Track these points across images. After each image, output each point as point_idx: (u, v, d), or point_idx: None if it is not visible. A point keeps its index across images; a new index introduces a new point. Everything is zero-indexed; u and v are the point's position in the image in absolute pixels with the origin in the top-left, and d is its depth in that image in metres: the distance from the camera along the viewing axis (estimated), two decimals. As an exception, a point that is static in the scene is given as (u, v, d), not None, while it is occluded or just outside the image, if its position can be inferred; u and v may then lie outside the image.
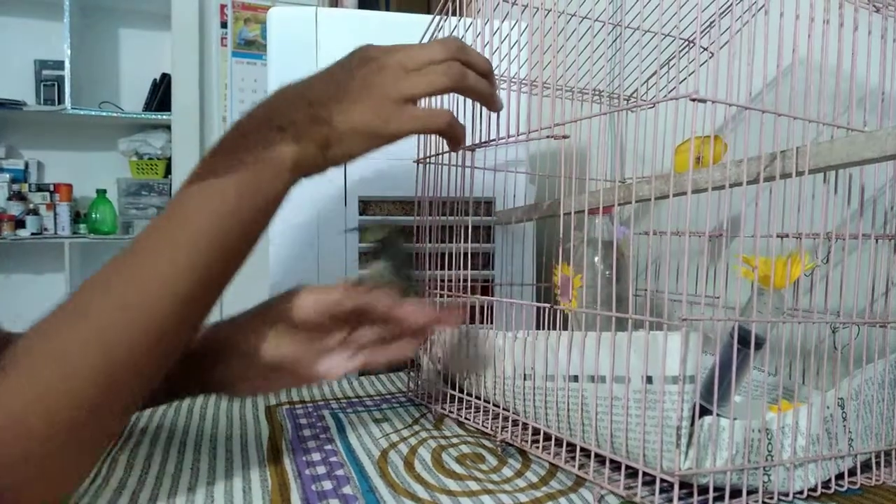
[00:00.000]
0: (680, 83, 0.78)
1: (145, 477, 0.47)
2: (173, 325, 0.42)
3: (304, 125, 0.48)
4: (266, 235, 0.87)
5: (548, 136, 0.51)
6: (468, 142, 0.63)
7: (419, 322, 0.53)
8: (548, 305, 0.52)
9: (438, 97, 0.59)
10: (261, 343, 0.51)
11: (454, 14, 0.64)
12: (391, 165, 0.87)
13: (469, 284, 0.62)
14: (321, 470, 0.48)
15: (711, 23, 0.73)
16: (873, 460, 0.47)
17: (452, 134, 0.54)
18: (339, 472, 0.48)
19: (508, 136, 0.57)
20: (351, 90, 0.50)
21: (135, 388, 0.42)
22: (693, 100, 0.40)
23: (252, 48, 2.57)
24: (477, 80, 0.53)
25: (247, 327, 0.53)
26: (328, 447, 0.53)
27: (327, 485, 0.46)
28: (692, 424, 0.40)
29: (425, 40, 0.68)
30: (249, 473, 0.48)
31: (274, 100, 0.50)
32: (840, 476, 0.45)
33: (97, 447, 0.42)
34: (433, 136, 0.67)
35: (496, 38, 0.62)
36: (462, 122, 0.61)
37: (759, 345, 0.47)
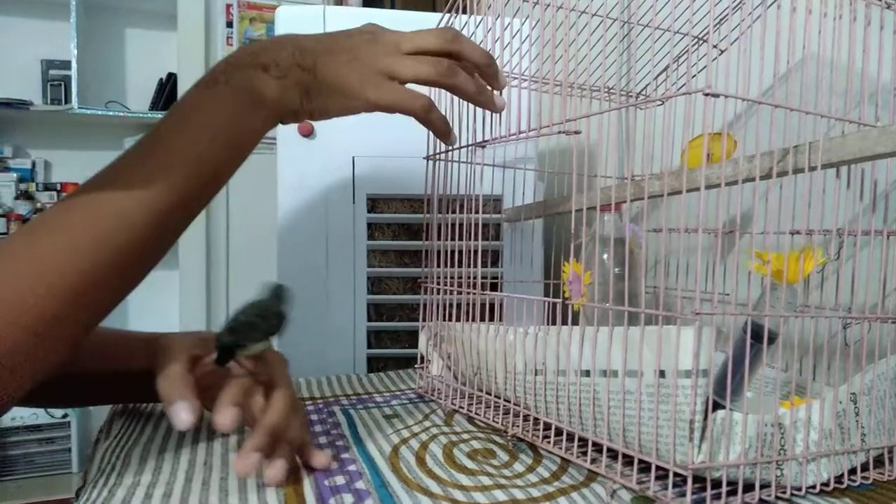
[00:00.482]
0: (690, 79, 0.78)
1: (159, 473, 0.47)
2: (143, 241, 0.46)
3: (288, 68, 0.51)
4: (273, 232, 0.88)
5: (559, 132, 0.51)
6: (478, 138, 0.64)
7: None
8: (560, 301, 0.52)
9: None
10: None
11: (464, 11, 0.64)
12: (400, 163, 0.87)
13: (479, 281, 0.62)
14: (333, 465, 0.49)
15: (722, 19, 0.73)
16: (886, 455, 0.47)
17: (428, 120, 0.55)
18: (352, 468, 0.48)
19: (519, 133, 0.57)
20: (342, 50, 0.52)
21: (98, 304, 0.45)
22: (706, 94, 0.40)
23: (257, 47, 2.57)
24: (466, 81, 0.54)
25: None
26: (339, 443, 0.54)
27: (340, 480, 0.46)
28: (705, 418, 0.40)
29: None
30: (262, 469, 0.48)
31: (268, 41, 0.53)
32: (853, 471, 0.45)
33: (50, 360, 0.43)
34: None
35: (506, 35, 0.62)
36: (472, 117, 0.62)
37: (772, 339, 0.47)
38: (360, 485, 0.45)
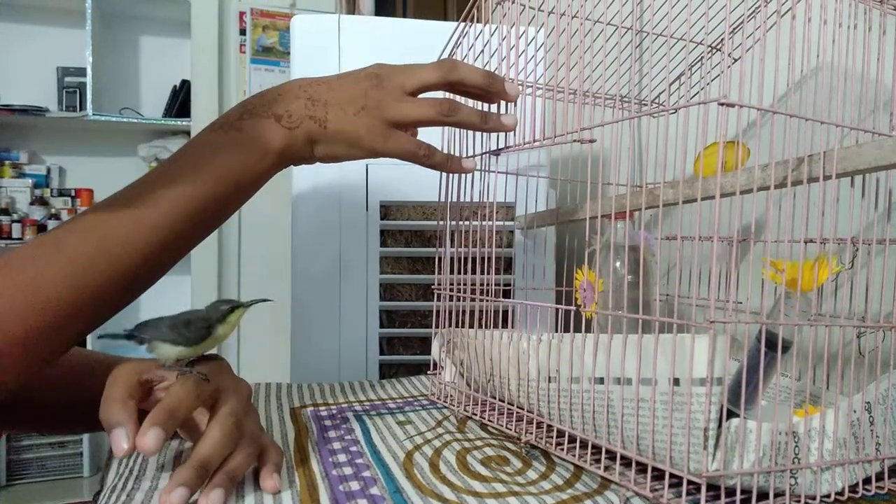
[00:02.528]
0: (702, 89, 0.78)
1: (157, 480, 0.47)
2: (142, 268, 0.49)
3: (300, 119, 0.54)
4: (288, 239, 0.88)
5: (574, 141, 0.51)
6: (492, 146, 0.64)
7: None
8: (574, 308, 0.53)
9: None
10: None
11: (478, 21, 0.64)
12: (413, 170, 0.87)
13: (492, 288, 0.62)
14: (348, 471, 0.49)
15: (736, 28, 0.73)
16: (901, 465, 0.47)
17: (433, 164, 0.59)
18: (366, 474, 0.48)
19: (534, 141, 0.57)
20: (351, 99, 0.55)
21: (87, 321, 0.48)
22: (722, 104, 0.40)
23: (270, 55, 2.60)
24: (469, 115, 0.58)
25: None
26: (353, 448, 0.54)
27: (354, 485, 0.46)
28: (719, 426, 0.40)
29: (449, 47, 0.69)
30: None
31: (281, 89, 0.56)
32: (867, 480, 0.45)
33: (31, 371, 0.46)
34: (455, 139, 0.68)
35: (521, 43, 0.62)
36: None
37: (786, 348, 0.47)
38: (374, 490, 0.45)
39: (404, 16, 2.57)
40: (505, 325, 0.62)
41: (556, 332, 0.53)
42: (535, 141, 0.57)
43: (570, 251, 0.79)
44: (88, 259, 0.46)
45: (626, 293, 0.67)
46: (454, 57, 0.69)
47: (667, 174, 0.84)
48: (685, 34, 0.66)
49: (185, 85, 2.72)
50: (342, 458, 0.52)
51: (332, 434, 0.58)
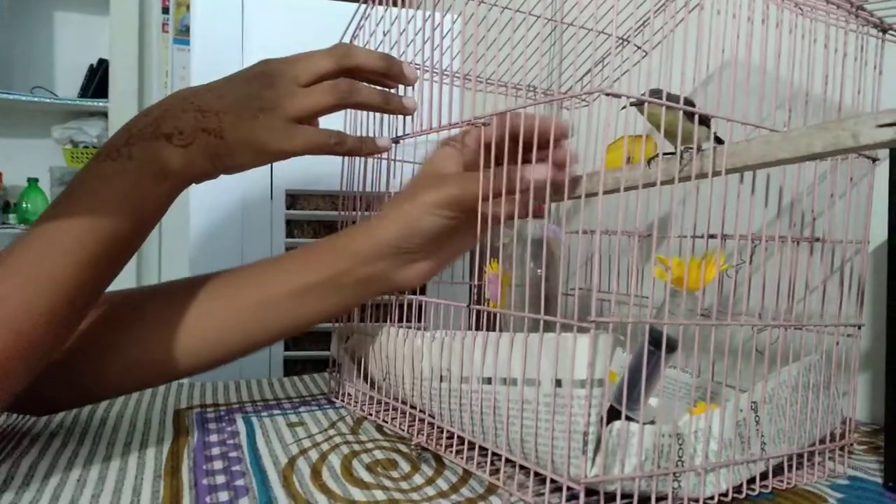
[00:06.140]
0: (615, 82, 0.77)
1: (23, 491, 0.43)
2: (58, 309, 0.44)
3: (192, 134, 0.49)
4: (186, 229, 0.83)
5: (468, 125, 0.49)
6: (397, 132, 0.61)
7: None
8: (465, 305, 0.51)
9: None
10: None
11: (393, 4, 0.61)
12: (321, 158, 0.84)
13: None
14: (220, 480, 0.46)
15: (645, 21, 0.72)
16: (785, 464, 0.47)
17: (347, 151, 0.56)
18: (239, 483, 0.45)
19: (430, 128, 0.55)
20: (244, 105, 0.51)
21: (25, 369, 0.43)
22: (607, 94, 0.38)
23: (195, 35, 2.49)
24: (369, 95, 0.54)
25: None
26: (233, 454, 0.50)
27: (224, 496, 0.43)
28: (601, 430, 0.39)
29: (351, 29, 0.66)
30: (141, 485, 0.44)
31: (166, 104, 0.51)
32: (752, 480, 0.45)
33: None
34: (361, 126, 0.65)
35: (427, 28, 0.60)
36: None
37: (672, 347, 0.46)
38: (244, 502, 0.42)
39: None
40: (410, 320, 0.59)
41: (466, 327, 0.51)
42: (431, 128, 0.54)
43: (482, 245, 0.77)
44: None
45: (531, 290, 0.65)
46: (356, 41, 0.66)
47: (578, 168, 0.83)
48: (595, 26, 0.64)
49: (103, 64, 2.59)
50: (218, 465, 0.48)
51: (214, 438, 0.54)
